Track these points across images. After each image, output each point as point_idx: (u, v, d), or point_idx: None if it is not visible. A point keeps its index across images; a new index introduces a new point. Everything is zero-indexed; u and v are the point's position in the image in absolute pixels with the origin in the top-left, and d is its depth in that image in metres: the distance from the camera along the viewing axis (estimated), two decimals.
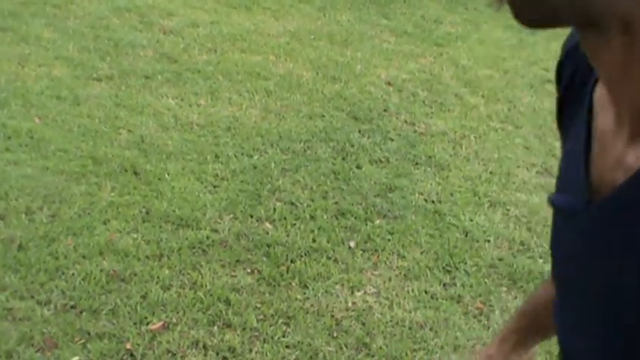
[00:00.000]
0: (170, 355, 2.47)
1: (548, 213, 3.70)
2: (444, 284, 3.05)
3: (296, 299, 2.82)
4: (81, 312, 2.59)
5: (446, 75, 5.44)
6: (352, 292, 2.92)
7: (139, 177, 3.50)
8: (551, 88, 5.41)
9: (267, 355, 2.52)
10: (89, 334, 2.50)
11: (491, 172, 4.02)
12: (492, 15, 7.28)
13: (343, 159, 3.95)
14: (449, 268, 3.15)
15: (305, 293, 2.87)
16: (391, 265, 3.13)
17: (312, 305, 2.80)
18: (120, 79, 4.52)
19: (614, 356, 0.70)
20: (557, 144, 5.02)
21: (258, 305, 2.76)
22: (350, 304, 2.84)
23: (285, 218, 3.33)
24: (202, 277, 2.85)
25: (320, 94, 4.77)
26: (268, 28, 5.86)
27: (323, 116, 4.44)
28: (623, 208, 0.64)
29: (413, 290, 2.98)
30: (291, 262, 3.04)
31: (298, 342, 2.60)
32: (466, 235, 3.41)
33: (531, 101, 5.14)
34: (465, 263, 3.20)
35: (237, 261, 3.00)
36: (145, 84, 4.52)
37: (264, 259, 3.04)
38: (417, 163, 4.04)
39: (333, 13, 6.54)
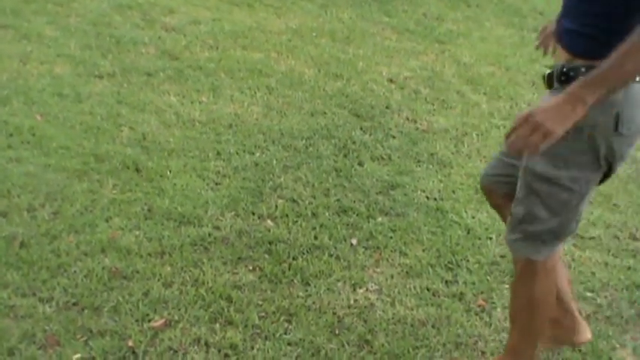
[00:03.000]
0: (172, 352, 2.47)
1: None
2: (446, 282, 3.05)
3: (298, 296, 2.82)
4: (83, 309, 2.60)
5: (448, 72, 5.43)
6: (354, 290, 2.92)
7: (140, 174, 3.50)
8: None
9: (268, 352, 2.52)
10: (91, 331, 2.50)
11: None
12: (494, 12, 7.27)
13: (345, 156, 3.95)
14: (451, 266, 3.15)
15: (307, 290, 2.87)
16: (393, 262, 3.13)
17: (313, 303, 2.80)
18: (122, 77, 4.52)
19: None
20: None
21: (260, 303, 2.76)
22: (352, 302, 2.84)
23: (286, 215, 3.33)
24: (204, 275, 2.85)
25: (322, 91, 4.77)
26: (270, 25, 5.86)
27: (325, 113, 4.44)
28: None
29: (415, 288, 2.98)
30: (293, 259, 3.04)
31: (300, 339, 2.60)
32: (468, 233, 3.41)
33: (533, 98, 5.13)
34: (467, 260, 3.20)
35: (239, 258, 3.00)
36: (147, 81, 4.52)
37: (266, 256, 3.04)
38: (419, 161, 4.04)
39: (335, 10, 6.53)
